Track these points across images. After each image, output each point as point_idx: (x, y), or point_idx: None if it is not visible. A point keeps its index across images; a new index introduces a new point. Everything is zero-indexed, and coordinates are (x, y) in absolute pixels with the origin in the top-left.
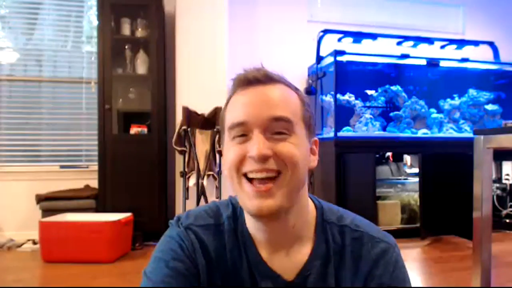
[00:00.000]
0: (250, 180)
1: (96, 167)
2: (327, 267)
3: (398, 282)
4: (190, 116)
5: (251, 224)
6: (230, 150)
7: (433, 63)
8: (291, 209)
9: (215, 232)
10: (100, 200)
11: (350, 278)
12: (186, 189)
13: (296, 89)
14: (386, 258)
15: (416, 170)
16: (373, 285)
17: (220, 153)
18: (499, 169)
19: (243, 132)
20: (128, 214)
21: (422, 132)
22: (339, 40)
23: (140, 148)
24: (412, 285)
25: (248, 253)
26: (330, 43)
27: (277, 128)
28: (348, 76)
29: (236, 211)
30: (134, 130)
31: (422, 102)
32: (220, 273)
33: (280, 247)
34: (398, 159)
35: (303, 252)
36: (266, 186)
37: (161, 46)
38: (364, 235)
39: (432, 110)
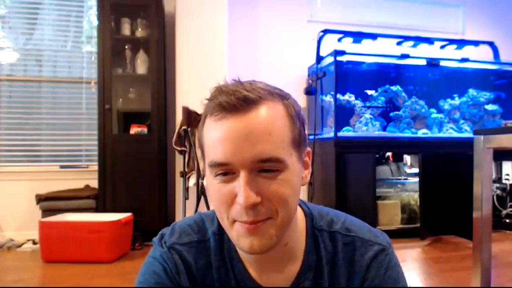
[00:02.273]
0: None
1: (96, 167)
2: (319, 278)
3: (391, 282)
4: (190, 116)
5: None
6: (215, 190)
7: (433, 63)
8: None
9: (200, 249)
10: (100, 200)
11: (344, 285)
12: (186, 189)
13: (282, 98)
14: (378, 260)
15: (416, 170)
16: (366, 285)
17: None
18: (499, 169)
19: (227, 170)
20: (128, 214)
21: (422, 132)
22: (339, 40)
23: (140, 148)
24: (411, 285)
25: (235, 270)
26: (330, 43)
27: (265, 166)
28: (348, 76)
29: (221, 228)
30: (134, 130)
31: (422, 102)
32: None
33: (270, 263)
34: (398, 159)
35: (293, 264)
36: (257, 225)
37: (161, 46)
38: (355, 240)
39: (432, 110)
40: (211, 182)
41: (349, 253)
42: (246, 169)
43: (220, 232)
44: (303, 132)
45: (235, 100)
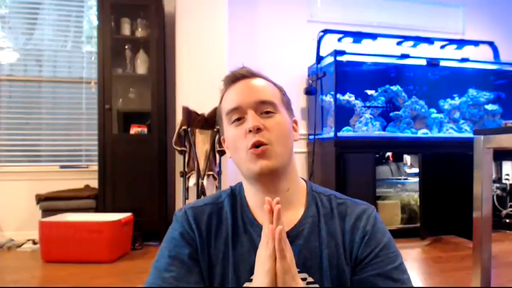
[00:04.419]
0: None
1: (96, 167)
2: (318, 223)
3: (381, 233)
4: (190, 116)
5: (249, 191)
6: (232, 131)
7: (433, 63)
8: (285, 173)
9: (214, 207)
10: (100, 200)
11: (340, 232)
12: (186, 189)
13: (273, 82)
14: (367, 213)
15: (416, 170)
16: (359, 234)
17: (220, 153)
18: (499, 169)
19: (239, 115)
20: (128, 214)
21: (422, 132)
22: (339, 40)
23: (140, 148)
24: (412, 285)
25: (244, 218)
26: (330, 43)
27: (264, 108)
28: (348, 76)
29: (235, 191)
30: (134, 130)
31: (422, 102)
32: (220, 240)
33: None
34: (398, 159)
35: (295, 215)
36: (262, 148)
37: (161, 46)
38: (347, 201)
39: (432, 110)
40: (227, 129)
41: (343, 209)
42: (252, 109)
43: (233, 195)
44: (291, 106)
45: (244, 71)
